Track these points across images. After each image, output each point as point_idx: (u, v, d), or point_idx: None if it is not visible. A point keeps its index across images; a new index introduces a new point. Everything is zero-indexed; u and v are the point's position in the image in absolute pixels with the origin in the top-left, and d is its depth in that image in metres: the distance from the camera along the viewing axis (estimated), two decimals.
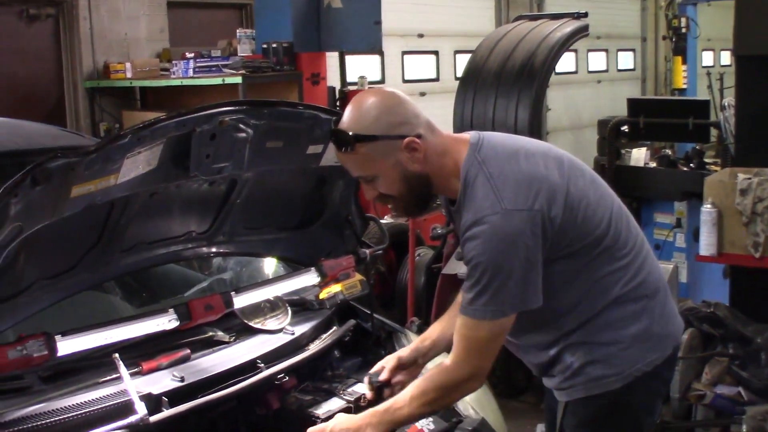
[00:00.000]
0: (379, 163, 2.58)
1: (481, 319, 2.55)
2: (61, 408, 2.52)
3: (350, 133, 2.55)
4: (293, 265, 3.56)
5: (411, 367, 2.95)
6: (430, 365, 2.92)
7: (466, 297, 2.57)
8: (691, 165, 6.83)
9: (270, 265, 3.79)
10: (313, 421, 2.96)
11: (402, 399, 2.69)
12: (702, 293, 6.25)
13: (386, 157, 2.57)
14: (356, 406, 2.99)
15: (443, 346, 2.98)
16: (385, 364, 2.95)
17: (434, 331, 3.01)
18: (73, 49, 9.42)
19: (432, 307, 5.86)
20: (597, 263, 2.66)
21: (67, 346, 2.57)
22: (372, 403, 2.85)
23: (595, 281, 2.67)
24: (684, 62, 14.05)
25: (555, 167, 2.63)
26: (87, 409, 2.54)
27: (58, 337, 2.53)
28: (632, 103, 7.12)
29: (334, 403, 3.00)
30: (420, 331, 5.54)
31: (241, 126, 2.78)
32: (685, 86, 14.13)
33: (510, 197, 2.50)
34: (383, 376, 2.91)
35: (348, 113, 2.60)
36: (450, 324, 2.93)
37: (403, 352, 2.98)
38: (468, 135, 2.69)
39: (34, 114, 8.15)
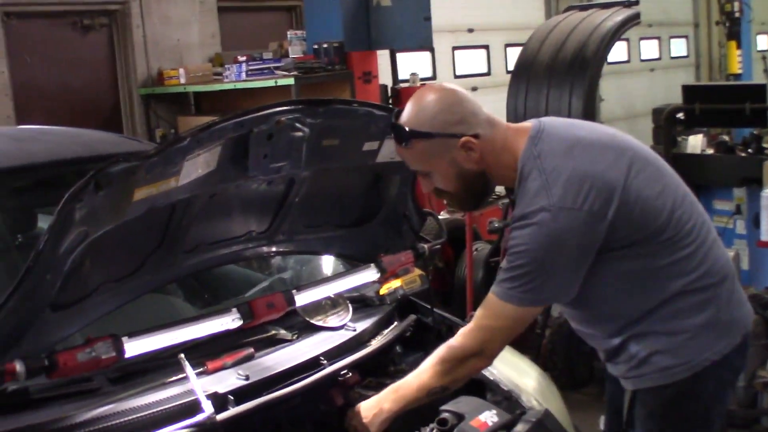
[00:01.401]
0: (434, 160, 2.63)
1: (508, 302, 2.60)
2: (129, 408, 2.55)
3: (407, 129, 2.59)
4: (352, 262, 3.57)
5: None
6: None
7: (500, 276, 2.61)
8: (749, 150, 6.74)
9: (329, 263, 3.81)
10: None
11: (413, 375, 2.79)
12: (765, 280, 6.18)
13: (442, 154, 2.62)
14: None
15: None
16: None
17: None
18: (126, 57, 9.55)
19: None
20: (658, 254, 2.63)
21: (134, 347, 2.60)
22: None
23: (657, 271, 2.64)
24: (738, 47, 13.90)
25: (613, 160, 2.61)
26: (155, 409, 2.57)
27: (125, 339, 2.57)
28: (687, 90, 7.05)
29: None
30: None
31: (298, 125, 2.80)
32: (740, 71, 13.97)
33: (560, 194, 2.51)
34: None
35: (408, 108, 2.64)
36: None
37: None
38: (529, 124, 2.70)
39: (91, 123, 8.30)
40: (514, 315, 2.64)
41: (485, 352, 2.73)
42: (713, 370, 2.70)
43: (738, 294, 2.81)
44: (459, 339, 2.75)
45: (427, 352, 3.33)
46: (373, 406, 2.79)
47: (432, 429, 2.81)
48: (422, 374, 2.77)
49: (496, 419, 2.86)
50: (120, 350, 2.54)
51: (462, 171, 2.63)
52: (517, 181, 2.61)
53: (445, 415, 2.87)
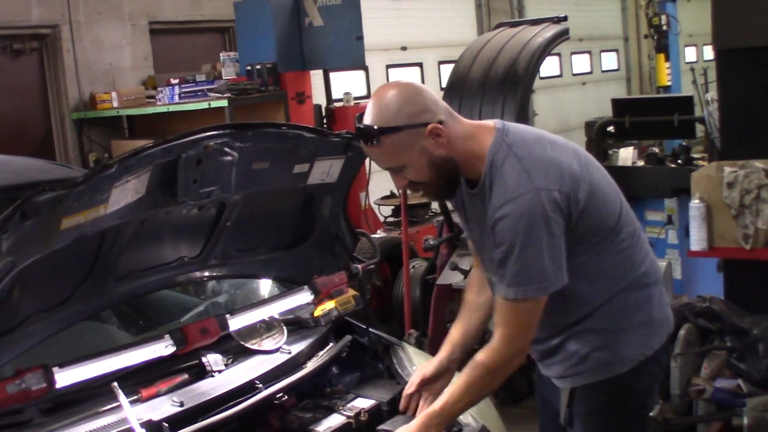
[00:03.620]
0: (405, 153, 2.64)
1: (522, 299, 2.63)
2: None
3: (375, 127, 2.61)
4: (287, 284, 3.57)
5: (443, 377, 3.02)
6: None
7: (502, 280, 2.64)
8: (679, 161, 6.84)
9: (264, 286, 3.80)
10: None
11: (454, 394, 2.77)
12: (697, 288, 6.26)
13: (412, 145, 2.63)
14: (356, 421, 3.00)
15: (471, 347, 3.06)
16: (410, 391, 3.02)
17: (456, 336, 3.07)
18: (58, 81, 9.45)
19: (429, 318, 5.87)
20: (608, 252, 2.75)
21: (66, 377, 2.57)
22: None
23: (605, 270, 2.76)
24: (667, 59, 14.13)
25: (574, 158, 2.73)
26: None
27: (56, 369, 2.54)
28: (617, 103, 7.15)
29: (335, 419, 3.01)
30: (418, 343, 5.58)
31: (227, 149, 2.79)
32: (669, 83, 14.21)
33: (540, 177, 2.59)
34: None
35: (370, 108, 2.66)
36: (467, 325, 3.06)
37: (425, 369, 3.03)
38: (491, 122, 2.77)
39: (22, 149, 8.18)
40: (533, 308, 2.66)
41: (523, 350, 2.76)
42: (647, 366, 2.84)
43: (665, 296, 2.96)
44: (495, 351, 2.72)
45: (363, 372, 3.35)
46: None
47: None
48: (466, 392, 2.75)
49: None
50: (51, 381, 2.51)
51: (433, 158, 2.65)
52: (487, 170, 2.66)
53: None
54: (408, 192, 2.79)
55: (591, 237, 2.70)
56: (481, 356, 2.75)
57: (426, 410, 2.80)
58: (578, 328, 2.81)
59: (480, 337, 3.12)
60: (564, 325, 2.82)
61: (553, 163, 2.65)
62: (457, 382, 2.80)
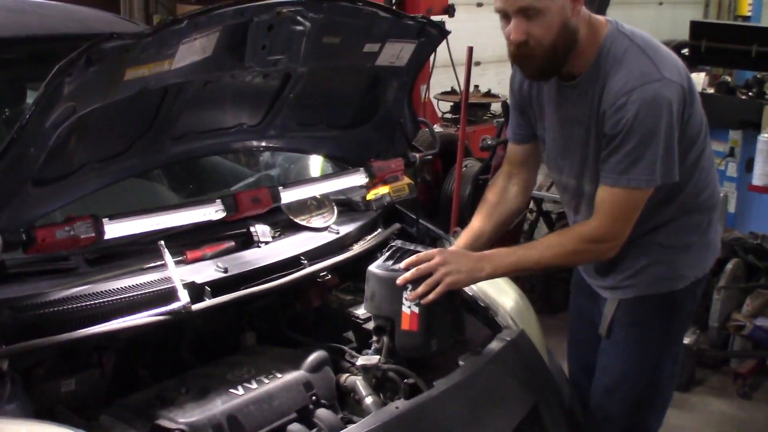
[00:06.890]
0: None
1: (635, 188, 2.59)
2: (105, 291, 2.51)
3: None
4: (341, 164, 3.53)
5: None
6: None
7: (617, 167, 2.59)
8: (750, 93, 6.69)
9: (318, 164, 3.77)
10: (353, 321, 2.98)
11: (534, 245, 2.78)
12: (750, 224, 6.19)
13: None
14: None
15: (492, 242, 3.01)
16: None
17: (484, 226, 3.04)
18: None
19: None
20: (692, 168, 2.73)
21: (115, 229, 2.55)
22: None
23: (684, 185, 2.73)
24: None
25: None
26: (131, 294, 2.53)
27: (105, 220, 2.52)
28: (695, 26, 6.96)
29: None
30: None
31: (299, 18, 2.71)
32: (749, 14, 13.84)
33: (667, 67, 2.55)
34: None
35: None
36: (490, 222, 3.03)
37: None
38: (598, 16, 2.72)
39: (87, 3, 8.11)
40: (642, 197, 2.63)
41: (618, 240, 2.70)
42: (695, 287, 2.89)
43: (719, 224, 2.99)
44: (593, 227, 2.69)
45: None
46: (474, 260, 2.73)
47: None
48: (546, 250, 2.73)
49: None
50: (99, 231, 2.50)
51: (566, 22, 2.57)
52: (602, 60, 2.62)
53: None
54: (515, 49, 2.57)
55: (685, 148, 2.66)
56: (575, 228, 2.76)
57: (496, 250, 2.78)
58: (642, 240, 2.79)
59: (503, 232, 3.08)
60: (630, 237, 2.76)
61: (673, 57, 2.62)
62: (543, 240, 2.80)
